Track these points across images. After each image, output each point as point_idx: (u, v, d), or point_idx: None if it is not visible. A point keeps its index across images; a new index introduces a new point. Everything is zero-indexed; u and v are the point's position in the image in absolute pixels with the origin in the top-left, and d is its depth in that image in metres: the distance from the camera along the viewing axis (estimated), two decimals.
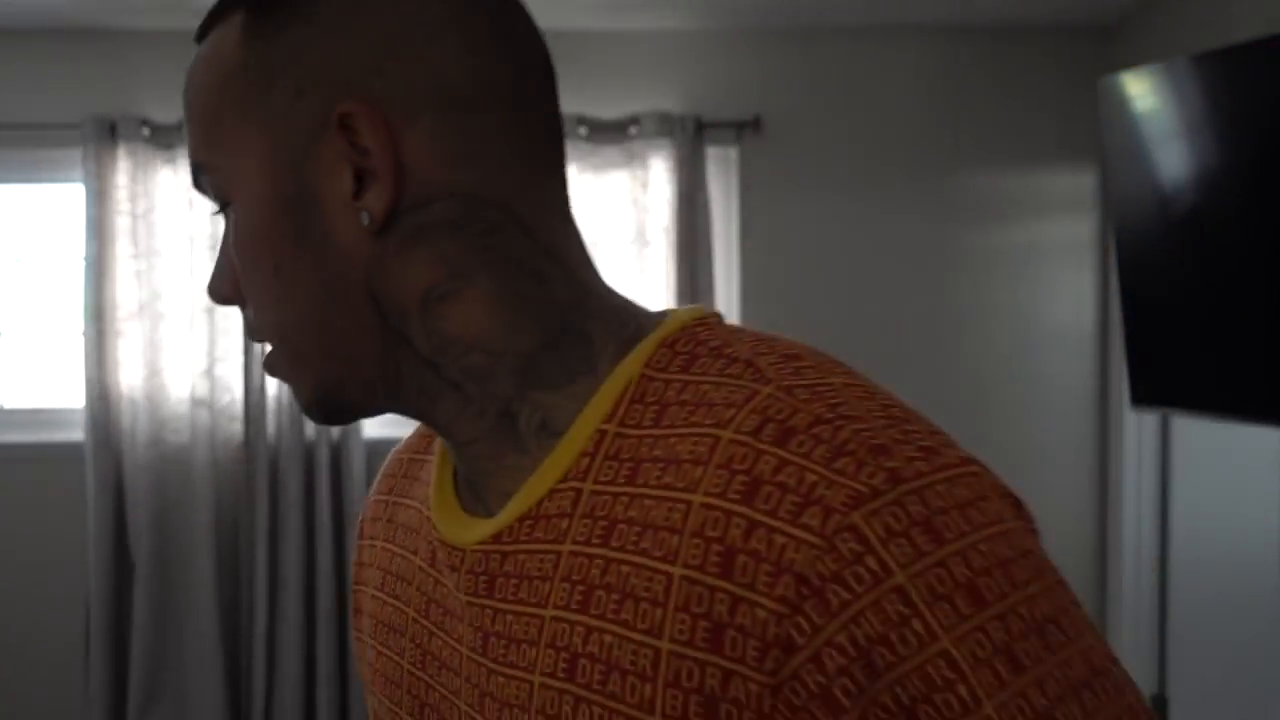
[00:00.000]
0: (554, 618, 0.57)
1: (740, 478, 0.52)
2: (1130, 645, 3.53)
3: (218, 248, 0.71)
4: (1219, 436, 3.19)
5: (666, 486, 0.54)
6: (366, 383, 0.62)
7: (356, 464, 3.57)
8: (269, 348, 0.68)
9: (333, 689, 3.55)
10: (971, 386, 3.72)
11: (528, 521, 0.60)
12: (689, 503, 0.53)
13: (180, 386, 3.58)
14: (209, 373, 3.55)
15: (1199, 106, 2.43)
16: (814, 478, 0.50)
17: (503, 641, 0.60)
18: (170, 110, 3.60)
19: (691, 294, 3.53)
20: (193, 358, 3.55)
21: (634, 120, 3.56)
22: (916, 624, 0.47)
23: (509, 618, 0.60)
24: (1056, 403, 3.74)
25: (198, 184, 0.66)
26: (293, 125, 0.59)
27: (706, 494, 0.53)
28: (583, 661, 0.55)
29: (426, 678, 0.67)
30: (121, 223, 3.55)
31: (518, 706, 0.58)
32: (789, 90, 3.68)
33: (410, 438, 0.80)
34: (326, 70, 0.59)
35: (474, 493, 0.65)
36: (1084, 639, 0.50)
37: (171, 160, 3.58)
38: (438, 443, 0.72)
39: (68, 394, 3.74)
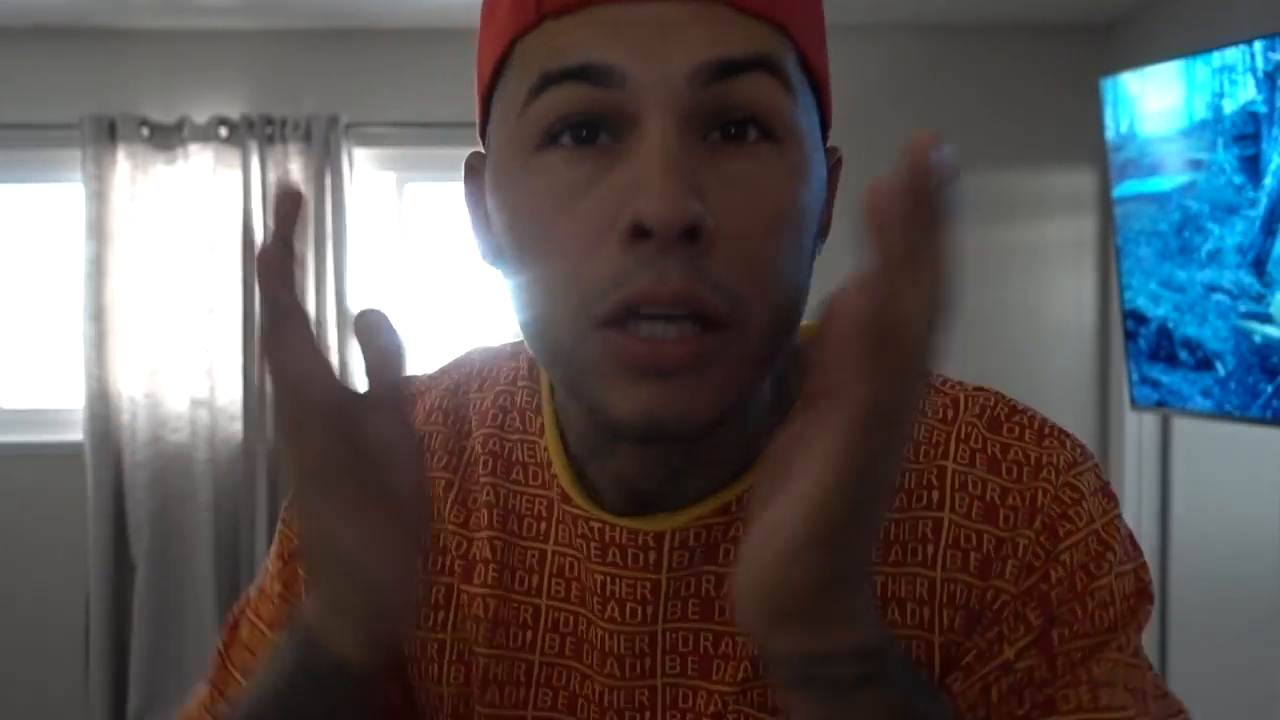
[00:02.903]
0: None
1: (980, 455, 0.65)
2: None
3: (667, 163, 0.51)
4: (1219, 436, 3.19)
5: (910, 459, 0.65)
6: (758, 387, 0.63)
7: None
8: (693, 336, 0.56)
9: None
10: None
11: None
12: (944, 468, 0.65)
13: (180, 386, 3.58)
14: (209, 372, 3.54)
15: (1198, 105, 2.43)
16: (1035, 452, 0.65)
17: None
18: (170, 110, 3.59)
19: None
20: (192, 357, 3.55)
21: None
22: (1109, 556, 0.63)
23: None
24: (1056, 403, 3.73)
25: (733, 67, 0.55)
26: (817, 133, 0.62)
27: (956, 462, 0.65)
28: None
29: (568, 664, 0.68)
30: (121, 223, 3.54)
31: None
32: None
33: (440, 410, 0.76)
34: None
35: (641, 497, 0.65)
36: None
37: (171, 160, 3.57)
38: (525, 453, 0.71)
39: (67, 394, 3.73)
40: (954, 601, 0.63)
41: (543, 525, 0.69)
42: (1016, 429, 0.66)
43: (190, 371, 3.55)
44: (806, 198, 0.58)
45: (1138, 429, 3.49)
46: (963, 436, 0.66)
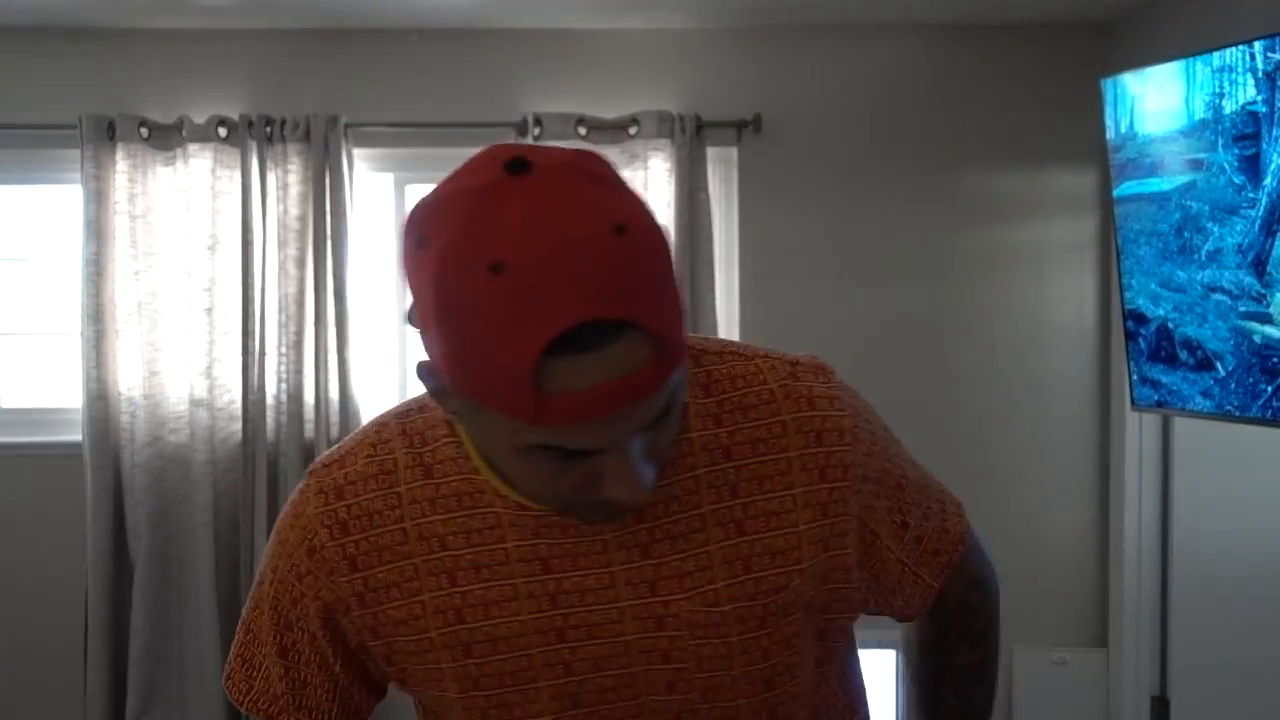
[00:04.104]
0: (713, 509, 0.97)
1: (800, 399, 1.01)
2: (1131, 645, 3.52)
3: (638, 450, 0.87)
4: (1219, 437, 3.19)
5: (756, 420, 0.99)
6: None
7: None
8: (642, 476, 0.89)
9: None
10: (972, 387, 3.72)
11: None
12: (784, 421, 1.00)
13: (179, 386, 3.57)
14: (208, 373, 3.54)
15: (1198, 105, 2.42)
16: (822, 390, 1.02)
17: (667, 540, 0.96)
18: (169, 110, 3.59)
19: (692, 294, 3.53)
20: (191, 358, 3.54)
21: (634, 120, 3.55)
22: (891, 449, 1.07)
23: (669, 525, 0.96)
24: (1058, 403, 3.73)
25: (665, 412, 0.85)
26: None
27: (789, 414, 1.00)
28: (748, 521, 0.98)
29: (562, 612, 0.97)
30: (120, 223, 3.54)
31: (703, 569, 0.97)
32: (789, 90, 3.67)
33: (322, 510, 1.02)
34: None
35: None
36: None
37: (170, 160, 3.57)
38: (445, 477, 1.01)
39: (66, 394, 3.73)
40: (810, 503, 0.99)
41: (497, 532, 0.98)
42: (805, 375, 1.02)
43: (189, 372, 3.55)
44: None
45: (1138, 429, 3.49)
46: (786, 394, 1.00)
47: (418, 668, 1.02)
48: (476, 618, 0.98)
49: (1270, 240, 2.29)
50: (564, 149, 0.83)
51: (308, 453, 3.57)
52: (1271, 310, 2.31)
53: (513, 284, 0.76)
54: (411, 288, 0.84)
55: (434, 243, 0.80)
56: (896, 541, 1.06)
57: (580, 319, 0.76)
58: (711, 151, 3.65)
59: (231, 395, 3.56)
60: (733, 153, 3.68)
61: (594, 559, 0.97)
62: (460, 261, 0.78)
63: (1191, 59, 2.43)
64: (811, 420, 1.00)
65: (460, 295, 0.78)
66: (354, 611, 1.01)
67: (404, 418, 1.03)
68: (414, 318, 0.86)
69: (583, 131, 3.54)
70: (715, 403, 0.99)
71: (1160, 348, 2.63)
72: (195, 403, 3.54)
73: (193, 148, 3.53)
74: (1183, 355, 2.56)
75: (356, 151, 3.61)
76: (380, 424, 1.05)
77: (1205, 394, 2.51)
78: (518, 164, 0.80)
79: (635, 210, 0.81)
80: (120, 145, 3.52)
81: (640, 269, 0.79)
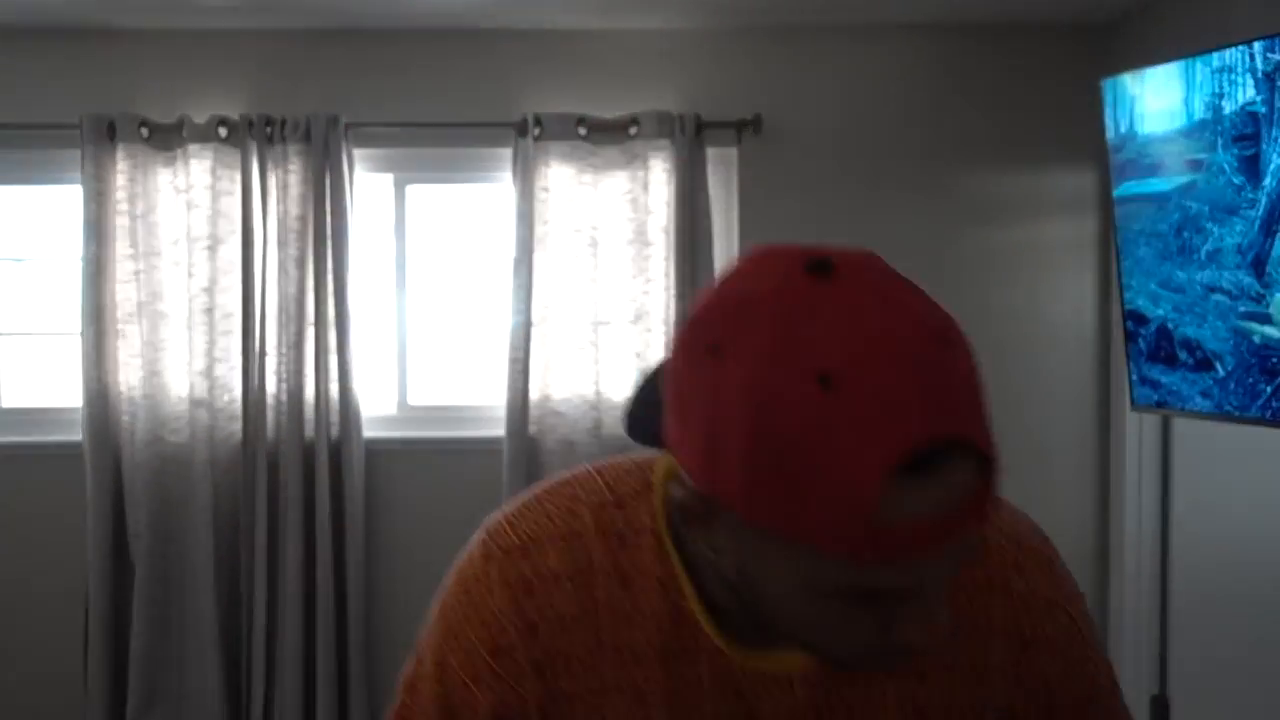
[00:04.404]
0: (896, 689, 0.90)
1: (1016, 600, 0.92)
2: (1131, 645, 3.52)
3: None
4: (1219, 437, 3.19)
5: (961, 605, 0.89)
6: None
7: (356, 464, 3.56)
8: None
9: (332, 689, 3.55)
10: None
11: None
12: (990, 619, 0.91)
13: (179, 386, 3.58)
14: (208, 373, 3.54)
15: (1198, 106, 2.42)
16: (1056, 594, 0.93)
17: (848, 684, 0.89)
18: (169, 110, 3.59)
19: (692, 294, 3.53)
20: (191, 358, 3.54)
21: (634, 120, 3.55)
22: (1101, 662, 0.97)
23: (854, 692, 0.89)
24: (1057, 403, 3.73)
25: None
26: None
27: (1000, 611, 0.91)
28: (931, 712, 0.90)
29: None
30: (120, 223, 3.54)
31: None
32: (789, 90, 3.67)
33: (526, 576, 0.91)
34: None
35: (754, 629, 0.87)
36: None
37: (170, 160, 3.57)
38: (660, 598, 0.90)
39: (66, 394, 3.73)
40: (998, 705, 0.92)
41: (693, 655, 0.90)
42: (1029, 566, 0.92)
43: (190, 372, 3.55)
44: None
45: (1138, 429, 3.49)
46: (1005, 589, 0.91)
47: None
48: None
49: (1270, 240, 2.30)
50: (845, 247, 0.74)
51: (307, 452, 3.58)
52: (1271, 310, 2.31)
53: (846, 398, 0.67)
54: (695, 404, 0.73)
55: (734, 353, 0.70)
56: None
57: (924, 438, 0.67)
58: (711, 152, 3.65)
59: (232, 395, 3.57)
60: (733, 153, 3.68)
61: (781, 698, 0.90)
62: (780, 373, 0.68)
63: (1191, 59, 2.43)
64: (1021, 628, 0.91)
65: (784, 412, 0.68)
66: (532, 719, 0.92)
67: (599, 511, 0.92)
68: (673, 436, 0.76)
69: (583, 131, 3.54)
70: None
71: (1160, 348, 2.63)
72: (195, 402, 3.54)
73: (193, 148, 3.53)
74: (1182, 355, 2.56)
75: (356, 151, 3.61)
76: (570, 511, 0.92)
77: (1205, 394, 2.51)
78: (821, 264, 0.71)
79: (945, 314, 0.73)
80: (120, 145, 3.52)
81: (967, 379, 0.71)
